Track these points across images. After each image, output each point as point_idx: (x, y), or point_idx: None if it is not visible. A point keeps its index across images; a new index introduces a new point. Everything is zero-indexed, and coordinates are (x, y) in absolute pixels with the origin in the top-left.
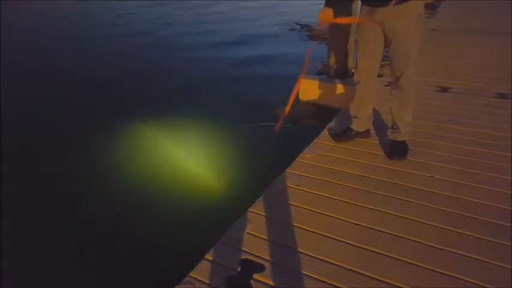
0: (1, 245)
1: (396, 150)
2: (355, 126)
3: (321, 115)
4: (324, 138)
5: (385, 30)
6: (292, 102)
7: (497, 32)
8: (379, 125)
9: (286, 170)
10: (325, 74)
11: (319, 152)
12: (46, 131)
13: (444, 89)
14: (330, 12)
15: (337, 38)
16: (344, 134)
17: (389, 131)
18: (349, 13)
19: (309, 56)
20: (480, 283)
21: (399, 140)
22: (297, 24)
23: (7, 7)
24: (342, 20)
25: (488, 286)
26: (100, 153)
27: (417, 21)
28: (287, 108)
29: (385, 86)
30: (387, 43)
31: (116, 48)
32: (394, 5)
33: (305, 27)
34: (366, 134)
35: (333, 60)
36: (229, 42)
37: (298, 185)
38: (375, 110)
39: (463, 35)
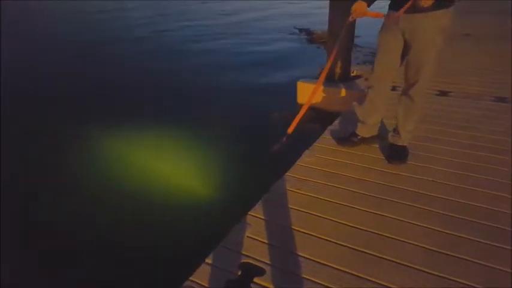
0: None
1: (395, 154)
2: (361, 131)
3: (320, 119)
4: (323, 141)
5: (406, 37)
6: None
7: (496, 36)
8: (381, 129)
9: (286, 173)
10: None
11: (319, 156)
12: (44, 132)
13: (443, 93)
14: (364, 5)
15: (336, 42)
16: (349, 139)
17: (390, 134)
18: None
19: (331, 62)
20: (478, 286)
21: (399, 144)
22: (296, 28)
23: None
24: (372, 14)
25: None
26: (100, 157)
27: (439, 34)
28: (291, 127)
29: None
30: (406, 50)
31: (116, 51)
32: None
33: (304, 31)
34: (371, 140)
35: (332, 63)
36: (226, 47)
37: (298, 189)
38: None
39: (462, 39)
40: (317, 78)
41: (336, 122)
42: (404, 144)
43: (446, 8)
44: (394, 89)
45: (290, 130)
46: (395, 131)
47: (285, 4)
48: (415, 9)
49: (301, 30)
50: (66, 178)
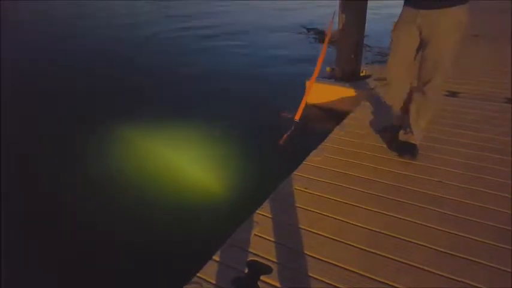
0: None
1: (406, 149)
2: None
3: (329, 118)
4: (332, 141)
5: (422, 33)
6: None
7: (505, 36)
8: (387, 126)
9: (294, 172)
10: (332, 77)
11: (327, 155)
12: (46, 131)
13: (453, 94)
14: None
15: (346, 41)
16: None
17: (402, 131)
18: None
19: (321, 60)
20: None
21: (410, 142)
22: (304, 27)
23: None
24: None
25: None
26: (109, 154)
27: (457, 30)
28: (298, 114)
29: None
30: (422, 47)
31: (120, 49)
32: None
33: (312, 30)
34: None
35: (342, 62)
36: (235, 45)
37: (305, 188)
38: (384, 112)
39: (470, 40)
40: (326, 77)
41: (345, 121)
42: (416, 143)
43: (463, 4)
44: None
45: (297, 117)
46: (407, 129)
47: (292, 3)
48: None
49: (309, 29)
50: (74, 176)
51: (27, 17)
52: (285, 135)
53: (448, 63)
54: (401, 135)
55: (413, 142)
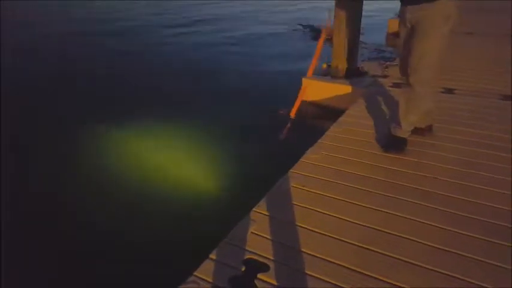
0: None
1: (393, 144)
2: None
3: (324, 115)
4: (328, 138)
5: (412, 27)
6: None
7: (501, 34)
8: (383, 123)
9: (291, 170)
10: (328, 74)
11: (324, 153)
12: (46, 131)
13: (449, 91)
14: None
15: (342, 38)
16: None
17: (392, 125)
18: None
19: (316, 58)
20: (482, 284)
21: (398, 135)
22: (300, 24)
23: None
24: None
25: (489, 287)
26: (107, 153)
27: (444, 23)
28: (293, 111)
29: (390, 87)
30: (410, 40)
31: (120, 50)
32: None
33: (308, 27)
34: (427, 130)
35: (338, 60)
36: (231, 42)
37: (302, 185)
38: (381, 109)
39: (467, 37)
40: (321, 74)
41: (341, 118)
42: (404, 137)
43: None
44: (398, 86)
45: (292, 114)
46: (397, 122)
47: (291, 2)
48: None
49: (305, 26)
50: (74, 176)
51: (27, 17)
52: (285, 131)
53: (434, 57)
54: (392, 129)
55: (401, 136)
